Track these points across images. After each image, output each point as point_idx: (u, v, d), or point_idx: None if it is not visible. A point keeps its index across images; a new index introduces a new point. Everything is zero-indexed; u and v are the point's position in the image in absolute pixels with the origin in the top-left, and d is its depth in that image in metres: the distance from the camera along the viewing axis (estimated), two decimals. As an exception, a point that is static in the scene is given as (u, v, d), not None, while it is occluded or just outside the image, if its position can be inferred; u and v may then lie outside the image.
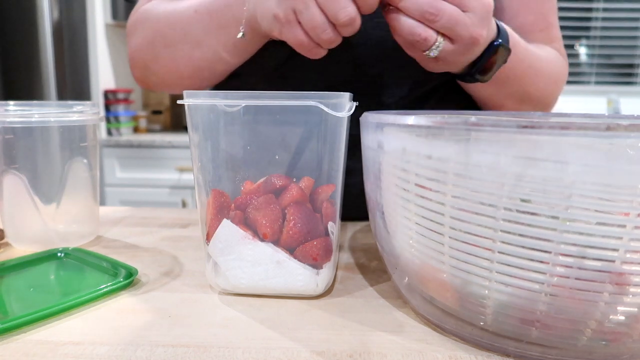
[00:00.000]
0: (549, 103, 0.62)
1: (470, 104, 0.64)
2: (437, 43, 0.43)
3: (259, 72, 0.61)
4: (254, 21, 0.49)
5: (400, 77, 0.59)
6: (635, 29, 2.43)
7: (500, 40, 0.48)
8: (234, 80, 0.63)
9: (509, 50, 0.49)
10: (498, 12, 0.65)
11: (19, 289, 0.40)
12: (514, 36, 0.53)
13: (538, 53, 0.58)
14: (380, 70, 0.59)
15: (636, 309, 0.26)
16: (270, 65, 0.60)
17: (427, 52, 0.44)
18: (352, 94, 0.39)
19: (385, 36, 0.55)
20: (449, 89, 0.62)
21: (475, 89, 0.57)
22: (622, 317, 0.26)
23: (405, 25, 0.42)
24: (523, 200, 0.26)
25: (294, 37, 0.44)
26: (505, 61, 0.50)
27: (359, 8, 0.42)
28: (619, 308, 0.26)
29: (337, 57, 0.52)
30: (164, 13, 0.58)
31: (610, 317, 0.26)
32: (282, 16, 0.43)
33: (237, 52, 0.55)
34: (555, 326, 0.28)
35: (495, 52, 0.48)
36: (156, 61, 0.60)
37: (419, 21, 0.42)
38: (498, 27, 0.49)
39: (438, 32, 0.43)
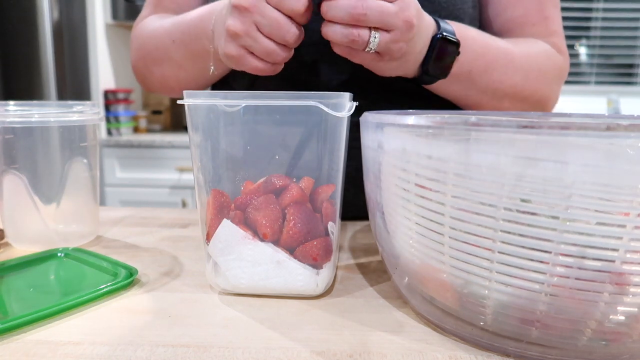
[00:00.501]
0: (539, 99, 0.61)
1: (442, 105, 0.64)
2: (372, 37, 0.44)
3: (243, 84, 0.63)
4: (217, 56, 0.51)
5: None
6: (635, 29, 2.43)
7: (440, 33, 0.49)
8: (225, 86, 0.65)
9: (455, 43, 0.50)
10: (484, 8, 0.65)
11: (19, 289, 0.40)
12: (468, 31, 0.53)
13: (509, 47, 0.57)
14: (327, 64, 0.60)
15: (636, 309, 0.26)
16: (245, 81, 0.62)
17: (367, 48, 0.45)
18: (351, 94, 0.39)
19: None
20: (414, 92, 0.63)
21: (441, 90, 0.57)
22: (622, 317, 0.26)
23: (338, 33, 0.44)
24: (523, 200, 0.26)
25: (251, 68, 0.47)
26: (457, 53, 0.51)
27: (297, 22, 0.45)
28: (618, 308, 0.26)
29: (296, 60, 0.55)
30: (153, 33, 0.62)
31: (610, 317, 0.26)
32: (234, 54, 0.47)
33: (216, 76, 0.60)
34: (555, 326, 0.28)
35: (437, 45, 0.49)
36: (150, 75, 0.65)
37: (350, 25, 0.43)
38: (437, 22, 0.51)
39: (371, 28, 0.44)
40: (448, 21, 0.52)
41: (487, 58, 0.55)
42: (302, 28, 0.46)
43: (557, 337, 0.28)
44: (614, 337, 0.27)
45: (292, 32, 0.45)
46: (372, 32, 0.44)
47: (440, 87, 0.56)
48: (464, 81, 0.55)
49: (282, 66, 0.49)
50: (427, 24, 0.49)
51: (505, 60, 0.56)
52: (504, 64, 0.56)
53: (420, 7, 0.47)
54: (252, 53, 0.46)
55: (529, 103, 0.60)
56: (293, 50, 0.47)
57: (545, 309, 0.27)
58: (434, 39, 0.50)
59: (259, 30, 0.45)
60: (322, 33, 0.45)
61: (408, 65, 0.50)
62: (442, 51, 0.50)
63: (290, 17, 0.44)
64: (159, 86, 0.66)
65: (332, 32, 0.44)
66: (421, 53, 0.50)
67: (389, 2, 0.43)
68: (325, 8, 0.43)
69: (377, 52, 0.46)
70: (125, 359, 0.30)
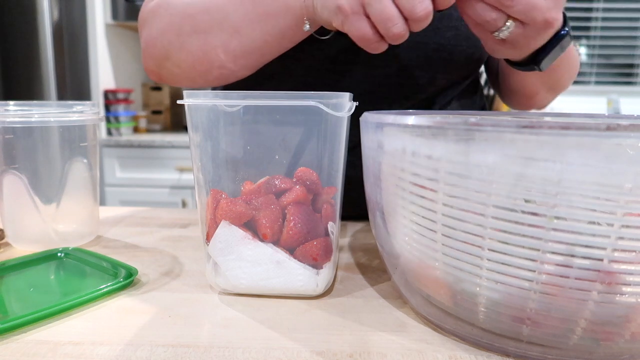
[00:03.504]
0: (563, 91, 0.63)
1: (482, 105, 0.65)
2: (505, 26, 0.42)
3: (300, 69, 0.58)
4: (311, 10, 0.46)
5: (437, 79, 0.60)
6: (635, 29, 2.43)
7: (567, 29, 0.47)
8: (268, 82, 0.60)
9: (570, 40, 0.48)
10: None
11: (19, 289, 0.40)
12: None
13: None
14: (422, 72, 0.59)
15: (626, 308, 0.26)
16: (316, 62, 0.58)
17: (496, 33, 0.43)
18: (351, 94, 0.39)
19: (424, 40, 0.56)
20: (465, 90, 0.63)
21: (519, 77, 0.57)
22: (612, 316, 0.26)
23: (477, 8, 0.42)
24: (525, 201, 0.26)
25: (358, 30, 0.42)
26: (564, 50, 0.49)
27: (434, 2, 0.41)
28: (608, 307, 0.26)
29: (383, 57, 0.52)
30: None
31: (600, 316, 0.26)
32: (347, 7, 0.41)
33: (281, 44, 0.52)
34: (546, 324, 0.28)
35: (563, 41, 0.47)
36: (181, 49, 0.54)
37: (492, 6, 0.41)
38: (565, 16, 0.48)
39: (509, 16, 0.42)
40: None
41: (568, 55, 0.55)
42: (408, 31, 0.42)
43: (549, 335, 0.28)
44: (605, 336, 0.27)
45: (424, 4, 0.40)
46: (509, 21, 0.42)
47: (523, 74, 0.55)
48: (544, 73, 0.54)
49: (386, 46, 0.44)
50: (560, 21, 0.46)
51: (570, 56, 0.57)
52: (568, 61, 0.57)
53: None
54: (367, 16, 0.41)
55: (557, 94, 0.62)
56: (407, 33, 0.42)
57: (535, 307, 0.27)
58: (559, 35, 0.47)
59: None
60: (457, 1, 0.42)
61: (522, 53, 0.48)
62: (560, 47, 0.48)
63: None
64: (186, 66, 0.55)
65: (470, 5, 0.42)
66: (544, 42, 0.47)
67: None
68: None
69: (502, 39, 0.44)
70: (125, 359, 0.30)
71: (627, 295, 0.26)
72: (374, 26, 0.42)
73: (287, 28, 0.49)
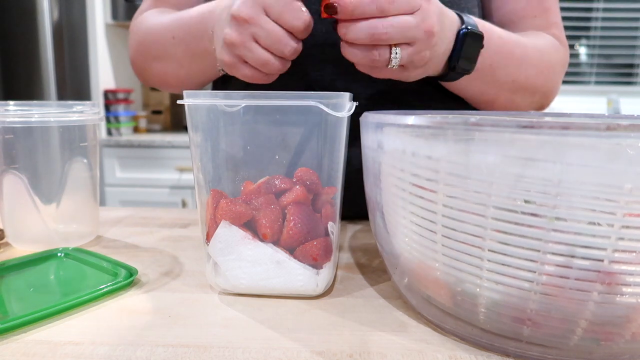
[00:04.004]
0: (546, 92, 0.61)
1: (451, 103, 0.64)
2: (393, 54, 0.43)
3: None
4: (214, 55, 0.51)
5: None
6: (635, 29, 2.43)
7: (465, 27, 0.48)
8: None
9: (480, 35, 0.49)
10: (486, 1, 0.65)
11: (19, 289, 0.40)
12: (485, 25, 0.53)
13: (522, 40, 0.57)
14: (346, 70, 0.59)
15: (627, 309, 0.26)
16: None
17: (389, 65, 0.44)
18: (351, 94, 0.39)
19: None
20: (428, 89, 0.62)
21: (462, 87, 0.56)
22: (612, 317, 0.26)
23: (359, 55, 0.43)
24: (526, 202, 0.26)
25: (244, 76, 0.47)
26: (481, 46, 0.50)
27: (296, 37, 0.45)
28: (609, 307, 0.26)
29: (316, 60, 0.56)
30: (153, 28, 0.61)
31: (600, 316, 0.26)
32: (228, 62, 0.46)
33: (218, 74, 0.58)
34: (546, 325, 0.28)
35: (464, 39, 0.48)
36: (148, 70, 0.63)
37: (372, 45, 0.42)
38: (461, 17, 0.49)
39: (392, 45, 0.43)
40: (469, 15, 0.51)
41: (505, 51, 0.55)
42: (301, 42, 0.45)
43: (549, 336, 0.28)
44: (605, 336, 0.27)
45: (290, 46, 0.44)
46: (393, 48, 0.43)
47: (460, 84, 0.55)
48: (485, 76, 0.54)
49: (277, 76, 0.48)
50: (450, 22, 0.47)
51: (521, 53, 0.56)
52: (519, 58, 0.56)
53: (442, 5, 0.46)
54: (246, 62, 0.46)
55: (538, 95, 0.60)
56: (290, 62, 0.46)
57: (535, 308, 0.27)
58: (459, 34, 0.48)
59: (256, 41, 0.44)
60: (341, 52, 0.44)
61: (434, 67, 0.49)
62: (468, 45, 0.49)
63: (289, 32, 0.44)
64: (159, 82, 0.65)
65: (352, 55, 0.43)
66: (446, 53, 0.49)
67: (408, 13, 0.42)
68: (343, 30, 0.42)
69: (400, 65, 0.45)
70: (125, 359, 0.30)
71: (627, 296, 0.26)
72: (256, 68, 0.46)
73: (213, 67, 0.54)
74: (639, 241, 0.25)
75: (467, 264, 0.29)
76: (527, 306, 0.28)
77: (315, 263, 0.38)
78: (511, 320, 0.29)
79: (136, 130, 2.37)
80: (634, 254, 0.25)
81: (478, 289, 0.29)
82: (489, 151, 0.26)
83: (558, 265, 0.26)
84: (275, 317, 0.36)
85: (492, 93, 0.57)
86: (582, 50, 2.50)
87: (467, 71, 0.51)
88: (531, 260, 0.26)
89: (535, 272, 0.26)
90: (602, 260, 0.25)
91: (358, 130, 0.38)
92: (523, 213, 0.26)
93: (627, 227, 0.24)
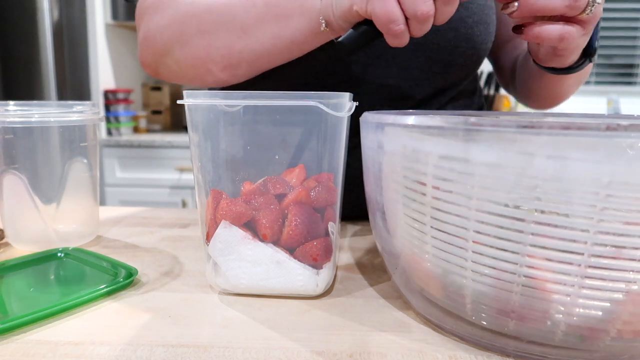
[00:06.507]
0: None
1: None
2: (591, 3, 0.41)
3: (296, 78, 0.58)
4: (329, 9, 0.45)
5: (436, 80, 0.60)
6: (635, 29, 2.43)
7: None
8: (267, 81, 0.59)
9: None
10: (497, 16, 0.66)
11: (19, 289, 0.40)
12: None
13: None
14: (421, 73, 0.59)
15: (608, 304, 0.26)
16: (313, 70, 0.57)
17: (587, 10, 0.41)
18: (352, 94, 0.39)
19: (424, 41, 0.56)
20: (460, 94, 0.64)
21: (561, 81, 0.58)
22: (594, 313, 0.26)
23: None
24: (526, 201, 0.26)
25: (382, 8, 0.40)
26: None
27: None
28: (589, 303, 0.26)
29: (383, 57, 0.54)
30: None
31: (581, 311, 0.27)
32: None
33: (290, 48, 0.50)
34: (529, 318, 0.28)
35: (598, 28, 0.47)
36: (184, 46, 0.53)
37: None
38: None
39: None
40: None
41: None
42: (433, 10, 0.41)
43: (533, 330, 0.28)
44: (589, 332, 0.27)
45: (426, 6, 0.39)
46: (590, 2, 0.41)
47: (561, 78, 0.56)
48: (582, 71, 0.55)
49: (407, 39, 0.42)
50: None
51: None
52: None
53: None
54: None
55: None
56: (432, 18, 0.41)
57: (518, 300, 0.28)
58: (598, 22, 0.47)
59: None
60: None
61: (577, 52, 0.48)
62: (596, 32, 0.47)
63: None
64: (185, 65, 0.54)
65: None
66: (585, 39, 0.47)
67: None
68: None
69: (583, 22, 0.43)
70: (125, 359, 0.30)
71: (608, 292, 0.26)
72: (399, 5, 0.40)
73: (298, 31, 0.48)
74: (619, 235, 0.24)
75: (453, 255, 0.29)
76: (510, 298, 0.28)
77: (315, 263, 0.38)
78: (496, 313, 0.29)
79: (136, 130, 2.37)
80: (614, 248, 0.25)
81: (464, 280, 0.29)
82: (489, 151, 0.26)
83: (539, 258, 0.26)
84: (275, 317, 0.36)
85: (572, 88, 0.61)
86: (582, 50, 2.50)
87: (593, 59, 0.50)
88: (513, 252, 0.27)
89: (517, 264, 0.27)
90: (582, 254, 0.25)
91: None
92: (523, 210, 0.26)
93: (605, 221, 0.24)
